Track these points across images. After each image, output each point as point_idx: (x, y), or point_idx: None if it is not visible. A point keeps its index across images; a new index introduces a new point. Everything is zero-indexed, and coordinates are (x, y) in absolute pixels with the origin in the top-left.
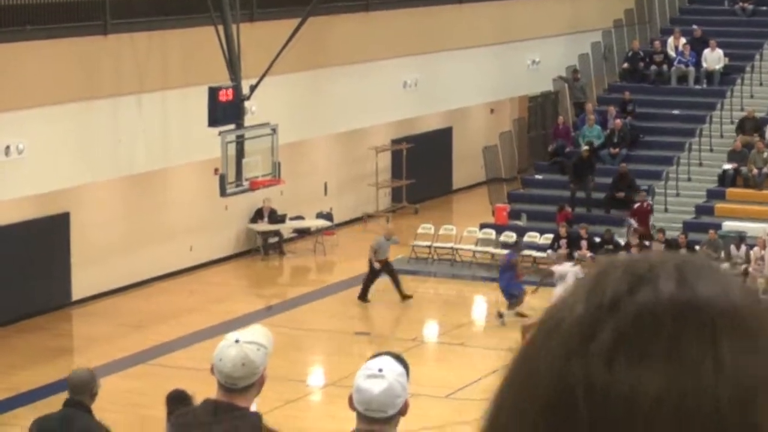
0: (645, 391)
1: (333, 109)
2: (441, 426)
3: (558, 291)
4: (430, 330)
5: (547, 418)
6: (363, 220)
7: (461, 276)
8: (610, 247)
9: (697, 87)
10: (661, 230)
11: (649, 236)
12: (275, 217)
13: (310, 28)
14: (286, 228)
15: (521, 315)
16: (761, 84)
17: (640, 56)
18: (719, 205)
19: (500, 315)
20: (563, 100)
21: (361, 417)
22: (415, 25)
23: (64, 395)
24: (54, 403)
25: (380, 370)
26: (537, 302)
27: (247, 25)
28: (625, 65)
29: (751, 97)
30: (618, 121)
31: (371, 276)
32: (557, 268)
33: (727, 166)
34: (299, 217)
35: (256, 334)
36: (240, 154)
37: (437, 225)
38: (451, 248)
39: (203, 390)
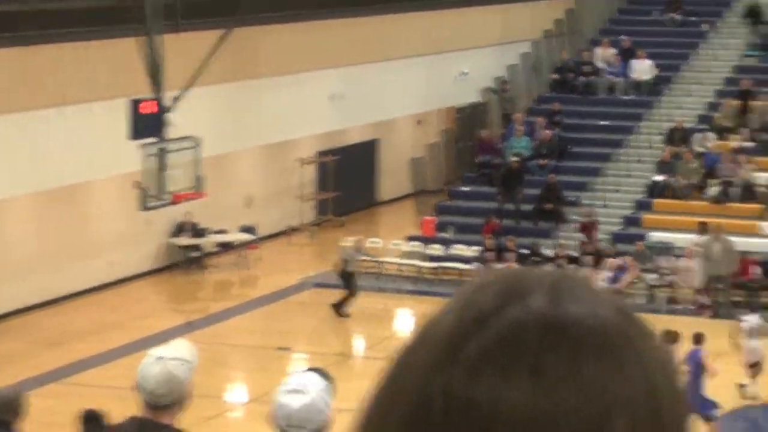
0: (505, 407)
1: (258, 122)
2: None
3: None
4: (356, 344)
5: (409, 430)
6: (287, 233)
7: (387, 289)
8: (538, 259)
9: (626, 98)
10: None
11: (597, 250)
12: (197, 231)
13: (236, 39)
14: (209, 242)
15: None
16: (690, 94)
17: (569, 67)
18: (647, 216)
19: None
20: (492, 111)
21: None
22: (343, 36)
23: None
24: None
25: (302, 386)
26: None
27: (172, 36)
28: (554, 76)
29: (680, 107)
30: (546, 132)
31: (349, 286)
32: None
33: (656, 177)
34: (222, 231)
35: (179, 349)
36: (162, 167)
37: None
38: (377, 261)
39: (120, 408)
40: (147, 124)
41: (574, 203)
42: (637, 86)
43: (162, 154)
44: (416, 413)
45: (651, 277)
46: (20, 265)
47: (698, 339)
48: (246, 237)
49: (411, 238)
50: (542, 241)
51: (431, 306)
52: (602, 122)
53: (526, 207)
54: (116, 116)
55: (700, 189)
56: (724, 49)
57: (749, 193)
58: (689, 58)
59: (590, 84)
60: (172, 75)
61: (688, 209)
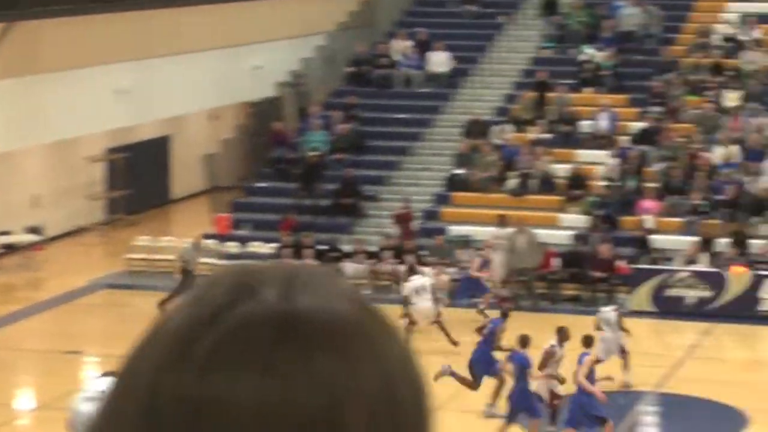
0: (237, 404)
1: (42, 118)
2: None
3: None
4: None
5: (139, 429)
6: (76, 233)
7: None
8: (336, 254)
9: (423, 90)
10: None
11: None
12: None
13: (17, 33)
14: None
15: None
16: (487, 87)
17: (366, 60)
18: (446, 210)
19: None
20: (287, 105)
21: None
22: (129, 29)
23: None
24: None
25: (99, 392)
26: None
27: None
28: (350, 69)
29: (477, 100)
30: (343, 126)
31: (182, 287)
32: (409, 285)
33: (455, 170)
34: (6, 233)
35: None
36: None
37: (156, 236)
38: (170, 260)
39: None
40: None
41: (373, 198)
42: (435, 79)
43: None
44: (147, 414)
45: (451, 271)
46: None
47: (524, 342)
48: (31, 238)
49: (206, 236)
50: (341, 236)
51: None
52: (399, 115)
53: (325, 202)
54: None
55: (498, 181)
56: (520, 41)
57: (548, 184)
58: (486, 50)
59: (387, 77)
60: None
61: (487, 202)
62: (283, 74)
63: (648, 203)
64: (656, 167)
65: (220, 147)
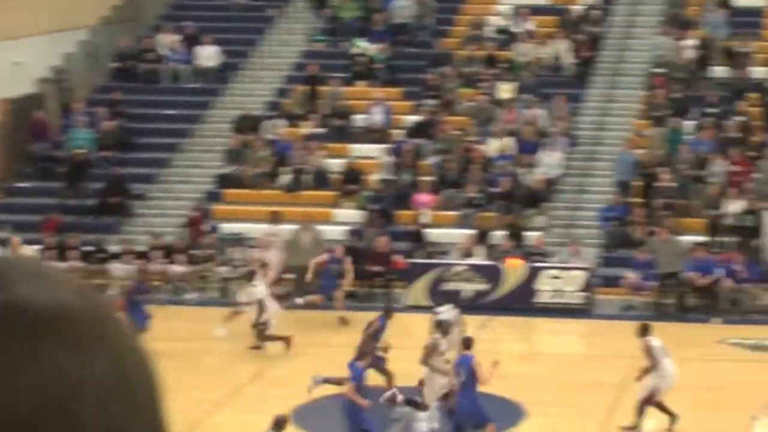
0: None
1: None
2: None
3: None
4: None
5: None
6: None
7: None
8: (104, 255)
9: (192, 86)
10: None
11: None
12: None
13: None
14: None
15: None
16: (258, 81)
17: (131, 54)
18: (217, 208)
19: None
20: (49, 102)
21: None
22: None
23: None
24: None
25: None
26: None
27: None
28: (115, 64)
29: (248, 95)
30: (109, 122)
31: None
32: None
33: (225, 167)
34: None
35: None
36: None
37: None
38: None
39: None
40: None
41: (141, 196)
42: (203, 73)
43: None
44: None
45: (223, 270)
46: None
47: (467, 344)
48: None
49: None
50: (108, 237)
51: None
52: (168, 111)
53: (91, 202)
54: None
55: (271, 177)
56: (291, 35)
57: (322, 180)
58: (256, 43)
59: (154, 72)
60: None
61: (260, 199)
62: (44, 70)
63: (423, 197)
64: (431, 160)
65: None
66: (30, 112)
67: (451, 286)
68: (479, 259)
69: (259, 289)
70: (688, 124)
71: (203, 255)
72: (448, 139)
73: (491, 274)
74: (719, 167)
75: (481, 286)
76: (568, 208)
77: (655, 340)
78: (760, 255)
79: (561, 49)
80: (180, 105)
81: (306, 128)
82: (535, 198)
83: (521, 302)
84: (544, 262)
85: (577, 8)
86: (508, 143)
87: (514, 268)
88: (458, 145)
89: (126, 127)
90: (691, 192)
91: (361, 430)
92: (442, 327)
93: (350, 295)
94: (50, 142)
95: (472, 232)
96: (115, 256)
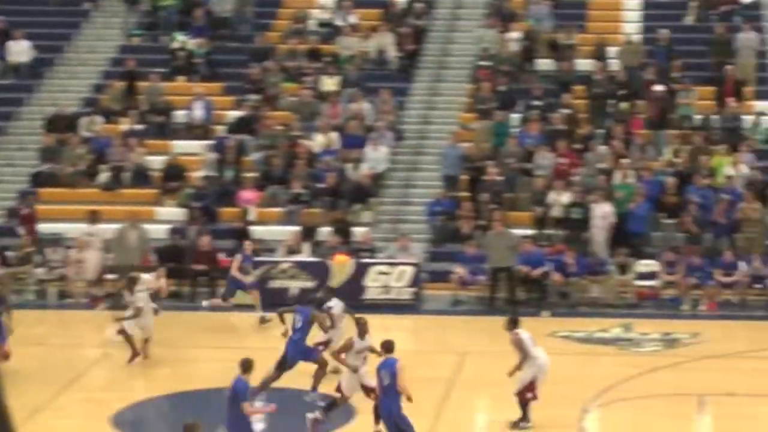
0: None
1: None
2: None
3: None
4: None
5: None
6: None
7: None
8: None
9: (4, 82)
10: None
11: (37, 242)
12: None
13: None
14: None
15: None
16: (74, 77)
17: None
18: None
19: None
20: None
21: None
22: None
23: None
24: None
25: None
26: None
27: None
28: None
29: (64, 91)
30: None
31: None
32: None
33: (40, 166)
34: None
35: None
36: None
37: None
38: None
39: None
40: None
41: None
42: (15, 69)
43: None
44: None
45: (40, 271)
46: None
47: (388, 347)
48: None
49: None
50: None
51: None
52: None
53: None
54: None
55: (89, 176)
56: (108, 29)
57: (142, 177)
58: (71, 38)
59: None
60: None
61: (78, 197)
62: None
63: (247, 194)
64: (255, 156)
65: None
66: None
67: (277, 284)
68: (306, 256)
69: (142, 296)
70: (514, 117)
71: (20, 256)
72: (271, 135)
73: (318, 271)
74: (546, 160)
75: (308, 283)
76: (395, 203)
77: (524, 333)
78: (588, 248)
79: (385, 43)
80: None
81: (125, 125)
82: (362, 193)
83: (349, 299)
84: (372, 258)
85: (400, 1)
86: (333, 138)
87: (342, 265)
88: (282, 140)
89: None
90: (519, 185)
91: None
92: (332, 320)
93: (174, 295)
94: None
95: (298, 228)
96: None
